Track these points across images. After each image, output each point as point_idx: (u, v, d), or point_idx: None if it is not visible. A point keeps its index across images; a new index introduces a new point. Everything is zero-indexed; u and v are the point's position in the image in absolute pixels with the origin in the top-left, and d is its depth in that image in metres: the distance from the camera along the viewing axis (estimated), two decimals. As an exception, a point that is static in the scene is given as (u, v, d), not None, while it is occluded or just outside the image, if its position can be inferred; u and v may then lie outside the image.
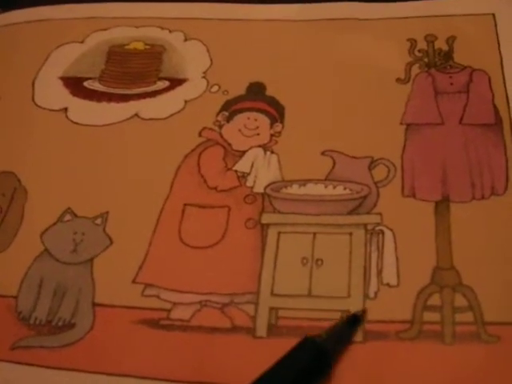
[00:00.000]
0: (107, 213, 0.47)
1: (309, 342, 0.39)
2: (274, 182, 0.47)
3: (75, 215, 0.47)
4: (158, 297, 0.43)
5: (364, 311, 0.41)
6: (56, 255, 0.45)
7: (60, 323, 0.43)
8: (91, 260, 0.45)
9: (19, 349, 0.42)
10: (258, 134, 0.50)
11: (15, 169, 0.50)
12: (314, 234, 0.44)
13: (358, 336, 0.40)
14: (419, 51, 0.53)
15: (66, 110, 0.54)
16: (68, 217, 0.47)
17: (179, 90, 0.54)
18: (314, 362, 0.38)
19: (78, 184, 0.49)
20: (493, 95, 0.49)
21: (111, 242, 0.46)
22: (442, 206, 0.45)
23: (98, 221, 0.47)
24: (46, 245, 0.46)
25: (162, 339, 0.42)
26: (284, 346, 0.40)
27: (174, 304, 0.43)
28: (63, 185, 0.49)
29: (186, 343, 0.41)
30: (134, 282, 0.44)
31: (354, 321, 0.41)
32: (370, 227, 0.44)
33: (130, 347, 0.41)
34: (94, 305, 0.43)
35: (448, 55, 0.52)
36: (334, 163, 0.48)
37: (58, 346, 0.42)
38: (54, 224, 0.47)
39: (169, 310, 0.43)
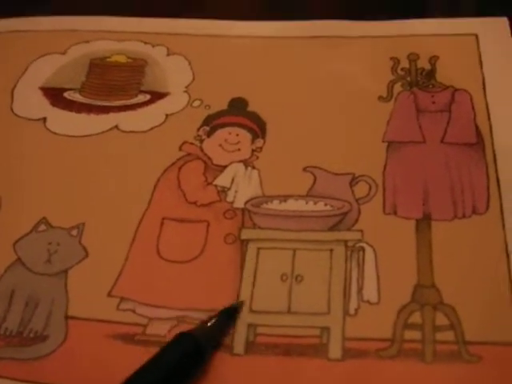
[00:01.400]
0: (83, 224, 0.46)
1: (183, 335, 0.39)
2: (254, 198, 0.47)
3: (50, 225, 0.46)
4: (133, 311, 0.43)
5: (241, 303, 0.42)
6: (29, 265, 0.45)
7: (31, 335, 0.42)
8: (65, 271, 0.44)
9: (-12, 360, 0.41)
10: (239, 149, 0.50)
11: (-10, 177, 0.50)
12: (294, 250, 0.44)
13: (337, 353, 0.40)
14: (402, 70, 0.53)
15: (44, 119, 0.53)
16: (43, 227, 0.46)
17: (160, 103, 0.54)
18: (188, 354, 0.38)
19: (55, 194, 0.48)
20: (474, 115, 0.50)
21: (87, 254, 0.45)
22: (424, 224, 0.45)
23: (74, 232, 0.46)
24: (19, 254, 0.45)
25: (137, 355, 0.40)
26: (262, 363, 0.40)
27: (150, 319, 0.42)
28: (39, 194, 0.49)
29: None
30: (109, 295, 0.43)
31: (230, 313, 0.41)
32: (350, 244, 0.44)
33: (103, 362, 0.40)
34: (68, 317, 0.42)
35: (430, 74, 0.53)
36: (315, 179, 0.48)
37: (29, 359, 0.41)
38: (29, 233, 0.46)
39: (145, 326, 0.42)
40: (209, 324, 0.41)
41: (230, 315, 0.41)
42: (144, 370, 0.38)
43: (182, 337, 0.39)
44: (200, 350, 0.39)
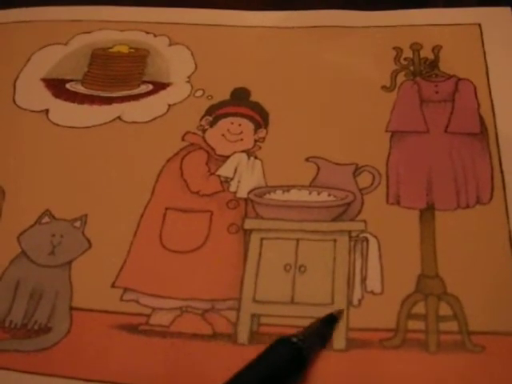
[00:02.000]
0: (86, 215, 0.46)
1: (284, 341, 0.38)
2: (257, 188, 0.47)
3: (54, 217, 0.46)
4: (137, 302, 0.43)
5: (341, 311, 0.41)
6: (33, 257, 0.45)
7: (36, 327, 0.42)
8: (69, 263, 0.44)
9: (-7, 352, 0.41)
10: (242, 140, 0.50)
11: (-7, 169, 0.50)
12: (298, 240, 0.44)
13: (341, 344, 0.40)
14: (405, 59, 0.53)
15: (47, 111, 0.53)
16: (46, 219, 0.46)
17: (163, 93, 0.53)
18: (290, 361, 0.38)
19: (58, 186, 0.48)
20: (478, 104, 0.49)
21: (90, 245, 0.45)
22: (427, 214, 0.45)
23: (77, 223, 0.46)
24: (23, 247, 0.45)
25: (141, 345, 0.41)
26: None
27: (154, 309, 0.42)
28: (42, 186, 0.48)
29: (165, 349, 0.40)
30: (112, 286, 0.43)
31: (330, 320, 0.40)
32: (354, 234, 0.44)
33: (107, 352, 0.41)
34: (72, 309, 0.42)
35: (434, 64, 0.52)
36: (319, 170, 0.47)
37: (34, 350, 0.41)
38: (32, 226, 0.46)
39: (148, 316, 0.42)
40: (310, 331, 0.40)
41: (329, 323, 0.40)
42: (242, 375, 0.37)
43: (282, 343, 0.38)
44: (300, 357, 0.38)
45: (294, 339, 0.38)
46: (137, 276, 0.44)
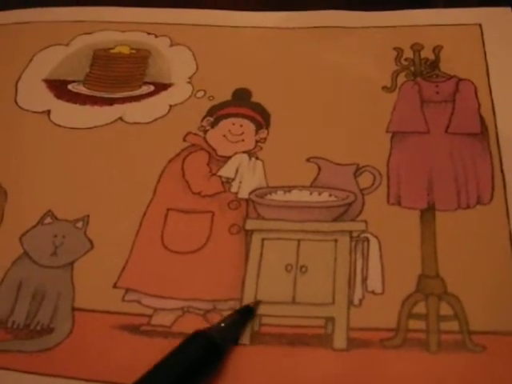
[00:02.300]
0: (88, 216, 0.46)
1: (199, 334, 0.39)
2: (258, 188, 0.47)
3: (56, 218, 0.46)
4: (139, 302, 0.43)
5: (257, 303, 0.41)
6: (35, 258, 0.45)
7: (38, 327, 0.42)
8: (71, 264, 0.44)
9: (-4, 353, 0.41)
10: (243, 140, 0.50)
11: (-5, 170, 0.50)
12: (299, 240, 0.44)
13: (341, 343, 0.40)
14: (405, 60, 0.53)
15: (49, 112, 0.53)
16: (48, 219, 0.46)
17: (164, 94, 0.54)
18: (205, 353, 0.38)
19: (60, 187, 0.48)
20: (479, 105, 0.50)
21: (92, 246, 0.45)
22: (428, 214, 0.45)
23: (79, 224, 0.46)
24: (26, 247, 0.45)
25: (143, 345, 0.41)
26: (267, 353, 0.40)
27: (156, 310, 0.42)
28: (44, 187, 0.49)
29: (167, 350, 0.40)
30: (114, 286, 0.43)
31: (246, 312, 0.41)
32: (355, 234, 0.44)
33: (109, 353, 0.41)
34: (74, 309, 0.42)
35: (434, 64, 0.53)
36: (320, 170, 0.48)
37: (36, 351, 0.41)
38: (34, 226, 0.46)
39: (150, 316, 0.42)
40: (224, 323, 0.40)
41: (246, 314, 0.41)
42: (159, 368, 0.37)
43: (197, 336, 0.39)
44: (216, 348, 0.39)
45: (209, 332, 0.39)
46: (139, 276, 0.44)
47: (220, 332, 0.40)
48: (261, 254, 0.44)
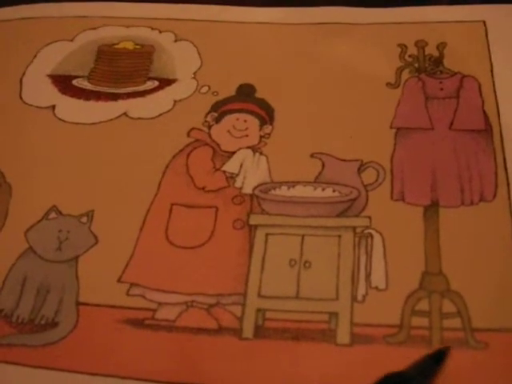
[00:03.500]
0: (93, 211, 0.47)
1: (393, 375, 0.37)
2: (262, 184, 0.47)
3: (60, 213, 0.47)
4: (143, 296, 0.43)
5: (448, 348, 0.39)
6: (40, 253, 0.45)
7: (43, 322, 0.42)
8: (76, 258, 0.45)
9: (1, 347, 0.41)
10: (247, 136, 0.50)
11: (0, 165, 0.50)
12: (303, 235, 0.44)
13: (345, 339, 0.40)
14: (410, 56, 0.53)
15: (53, 107, 0.53)
16: (53, 214, 0.46)
17: (168, 90, 0.54)
18: None
19: (64, 182, 0.49)
20: (483, 101, 0.50)
21: (97, 241, 0.45)
22: (431, 210, 0.45)
23: (84, 219, 0.46)
24: (31, 242, 0.45)
25: (147, 339, 0.41)
26: (271, 348, 0.40)
27: (160, 304, 0.43)
28: (49, 182, 0.49)
29: (171, 344, 0.41)
30: (119, 281, 0.44)
31: (438, 356, 0.39)
32: (358, 230, 0.44)
33: (113, 347, 0.41)
34: (78, 304, 0.43)
35: (438, 61, 0.52)
36: (323, 166, 0.48)
37: (41, 345, 0.41)
38: (39, 221, 0.46)
39: (154, 310, 0.42)
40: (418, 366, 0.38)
41: (438, 357, 0.39)
42: None
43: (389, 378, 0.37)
44: None
45: (403, 373, 0.37)
46: (143, 271, 0.44)
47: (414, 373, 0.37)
48: (265, 249, 0.44)
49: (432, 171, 0.47)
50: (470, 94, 0.50)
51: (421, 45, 0.54)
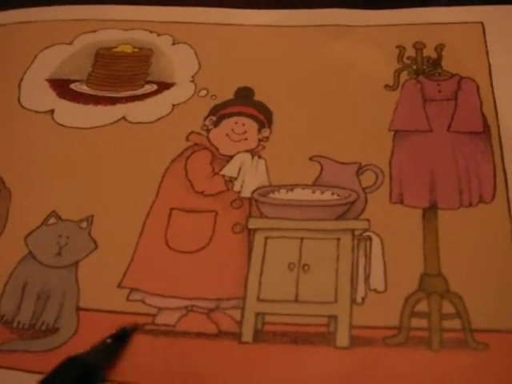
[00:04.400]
0: (92, 216, 0.47)
1: (72, 359, 0.38)
2: (261, 187, 0.47)
3: (60, 218, 0.47)
4: (143, 301, 0.43)
5: (134, 327, 0.41)
6: (40, 258, 0.45)
7: (43, 327, 0.42)
8: (76, 264, 0.45)
9: (1, 352, 0.41)
10: (246, 139, 0.50)
11: (0, 170, 0.50)
12: (302, 239, 0.44)
13: (344, 341, 0.40)
14: (408, 58, 0.53)
15: (52, 111, 0.53)
16: (53, 220, 0.47)
17: (167, 93, 0.54)
18: (78, 378, 0.38)
19: (64, 187, 0.49)
20: (481, 103, 0.50)
21: (96, 246, 0.45)
22: (430, 212, 0.45)
23: (83, 224, 0.46)
24: (30, 248, 0.45)
25: (147, 344, 0.41)
26: (270, 351, 0.40)
27: (160, 309, 0.43)
28: (48, 187, 0.49)
29: (171, 348, 0.41)
30: (119, 286, 0.44)
31: (122, 335, 0.41)
32: (357, 233, 0.44)
33: (114, 352, 0.41)
34: (79, 309, 0.43)
35: (436, 63, 0.53)
36: (322, 169, 0.48)
37: (42, 351, 0.41)
38: (39, 227, 0.46)
39: (154, 315, 0.42)
40: (98, 347, 0.40)
41: (122, 338, 0.41)
42: None
43: (70, 361, 0.39)
44: (88, 371, 0.38)
45: (82, 357, 0.39)
46: (142, 276, 0.44)
47: (92, 356, 0.39)
48: (264, 253, 0.44)
49: (430, 173, 0.47)
50: (468, 95, 0.50)
51: (419, 46, 0.54)
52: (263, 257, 0.44)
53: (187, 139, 0.50)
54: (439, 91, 0.51)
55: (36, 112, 0.53)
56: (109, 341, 0.40)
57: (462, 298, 0.41)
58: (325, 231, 0.45)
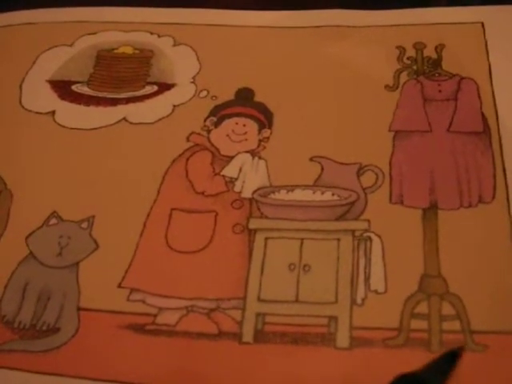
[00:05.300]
0: (93, 217, 0.47)
1: (407, 376, 0.37)
2: (261, 188, 0.47)
3: (61, 219, 0.47)
4: (143, 302, 0.43)
5: (461, 347, 0.39)
6: (41, 259, 0.45)
7: (44, 327, 0.42)
8: (77, 264, 0.45)
9: (2, 352, 0.41)
10: (246, 140, 0.50)
11: (1, 171, 0.50)
12: (302, 239, 0.44)
13: (344, 342, 0.40)
14: (408, 59, 0.53)
15: (53, 113, 0.53)
16: (54, 220, 0.47)
17: (167, 94, 0.54)
18: None
19: (65, 188, 0.49)
20: (481, 103, 0.50)
21: (97, 246, 0.46)
22: (430, 213, 0.45)
23: (84, 225, 0.46)
24: (31, 248, 0.46)
25: (148, 344, 0.41)
26: (270, 352, 0.40)
27: (160, 309, 0.43)
28: (49, 188, 0.49)
29: (171, 349, 0.41)
30: (119, 286, 0.44)
31: (452, 356, 0.39)
32: (357, 233, 0.44)
33: (114, 352, 0.41)
34: (79, 309, 0.43)
35: (436, 63, 0.53)
36: (322, 169, 0.48)
37: (42, 351, 0.41)
38: (40, 227, 0.46)
39: (155, 315, 0.43)
40: (429, 367, 0.38)
41: (451, 357, 0.39)
42: None
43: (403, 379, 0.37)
44: None
45: (419, 375, 0.37)
46: (143, 276, 0.44)
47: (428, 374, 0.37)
48: (264, 253, 0.44)
49: (430, 174, 0.47)
50: (469, 96, 0.50)
51: (419, 47, 0.54)
52: (263, 257, 0.44)
53: (188, 140, 0.50)
54: (439, 91, 0.51)
55: (37, 113, 0.53)
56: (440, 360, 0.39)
57: (461, 299, 0.41)
58: (325, 232, 0.45)
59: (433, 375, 0.38)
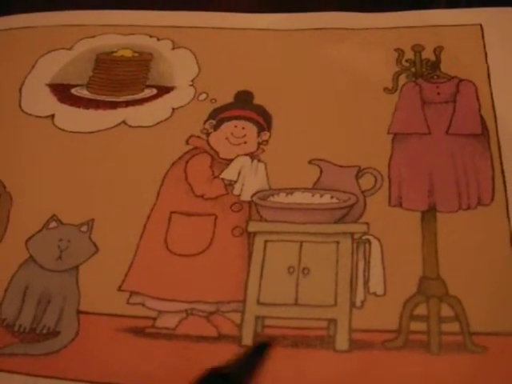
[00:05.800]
0: (93, 220, 0.47)
1: (213, 374, 0.37)
2: (260, 191, 0.47)
3: (61, 222, 0.47)
4: (143, 305, 0.43)
5: (270, 341, 0.41)
6: (41, 262, 0.45)
7: (44, 331, 0.42)
8: (76, 267, 0.45)
9: (2, 356, 0.42)
10: (246, 143, 0.50)
11: (1, 175, 0.50)
12: (301, 242, 0.44)
13: (344, 345, 0.40)
14: (406, 61, 0.53)
15: (52, 116, 0.53)
16: (53, 224, 0.47)
17: (167, 97, 0.54)
18: None
19: (64, 191, 0.49)
20: (479, 105, 0.50)
21: (97, 250, 0.46)
22: (429, 215, 0.45)
23: (84, 228, 0.46)
24: (31, 252, 0.46)
25: (147, 348, 0.41)
26: (270, 354, 0.40)
27: (160, 312, 0.43)
28: (49, 192, 0.49)
29: (171, 352, 0.41)
30: (119, 289, 0.44)
31: (261, 349, 0.40)
32: (356, 236, 0.44)
33: (114, 355, 0.41)
34: (79, 312, 0.43)
35: (435, 65, 0.53)
36: (321, 172, 0.48)
37: (42, 354, 0.42)
38: (40, 231, 0.47)
39: (154, 319, 0.43)
40: (237, 361, 0.39)
41: (259, 351, 0.40)
42: None
43: (210, 376, 0.37)
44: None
45: (226, 371, 0.37)
46: (143, 279, 0.44)
47: (234, 370, 0.38)
48: (263, 256, 0.44)
49: (429, 176, 0.47)
50: (467, 98, 0.50)
51: (418, 49, 0.54)
52: (263, 260, 0.44)
53: (187, 143, 0.50)
54: (438, 94, 0.51)
55: (37, 117, 0.53)
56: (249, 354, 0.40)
57: (460, 301, 0.41)
58: (324, 234, 0.45)
59: (239, 369, 0.38)
